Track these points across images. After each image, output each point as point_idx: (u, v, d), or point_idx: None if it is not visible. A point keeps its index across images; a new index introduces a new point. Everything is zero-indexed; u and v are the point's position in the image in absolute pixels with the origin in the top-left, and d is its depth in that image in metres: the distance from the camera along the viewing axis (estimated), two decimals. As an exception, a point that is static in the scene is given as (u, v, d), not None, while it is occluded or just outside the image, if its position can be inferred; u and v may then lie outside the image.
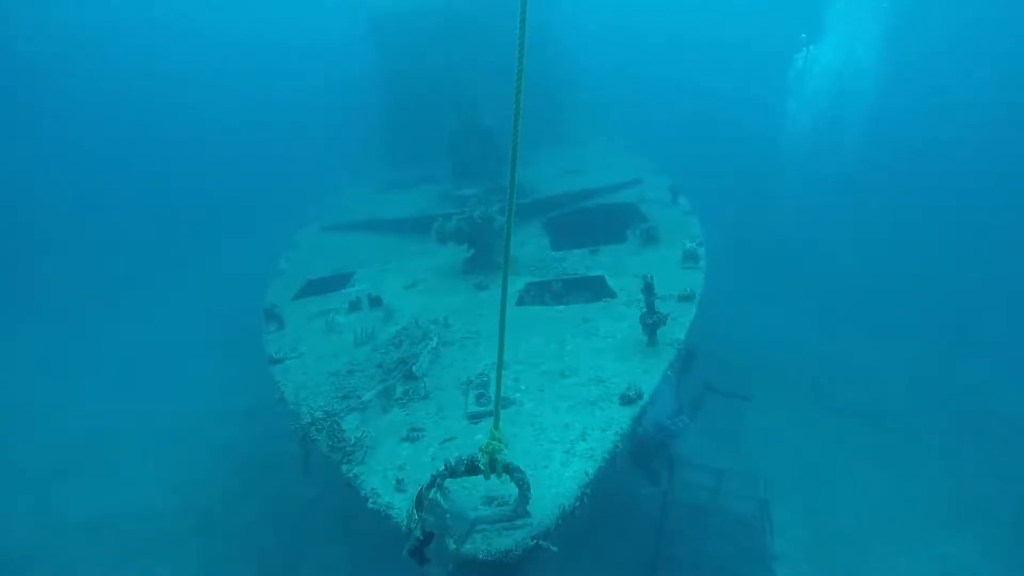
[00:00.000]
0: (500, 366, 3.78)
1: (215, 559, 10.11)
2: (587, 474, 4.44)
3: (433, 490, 3.89)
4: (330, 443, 5.07)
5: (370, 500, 4.53)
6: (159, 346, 18.61)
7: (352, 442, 5.06)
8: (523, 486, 3.96)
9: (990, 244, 20.49)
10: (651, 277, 5.83)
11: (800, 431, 11.97)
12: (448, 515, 3.89)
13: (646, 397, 5.24)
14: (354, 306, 8.29)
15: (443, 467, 3.88)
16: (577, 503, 4.27)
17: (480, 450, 3.75)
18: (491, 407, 5.30)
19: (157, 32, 39.25)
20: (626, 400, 5.19)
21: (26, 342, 20.64)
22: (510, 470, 3.87)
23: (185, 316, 20.61)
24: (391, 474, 4.73)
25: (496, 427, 3.82)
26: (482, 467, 3.78)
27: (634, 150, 15.91)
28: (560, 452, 4.69)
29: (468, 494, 4.34)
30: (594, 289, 7.90)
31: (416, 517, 3.84)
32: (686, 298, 7.08)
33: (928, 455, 11.02)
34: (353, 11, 19.00)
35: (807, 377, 13.72)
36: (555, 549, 4.00)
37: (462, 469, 3.86)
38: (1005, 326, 15.26)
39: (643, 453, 8.29)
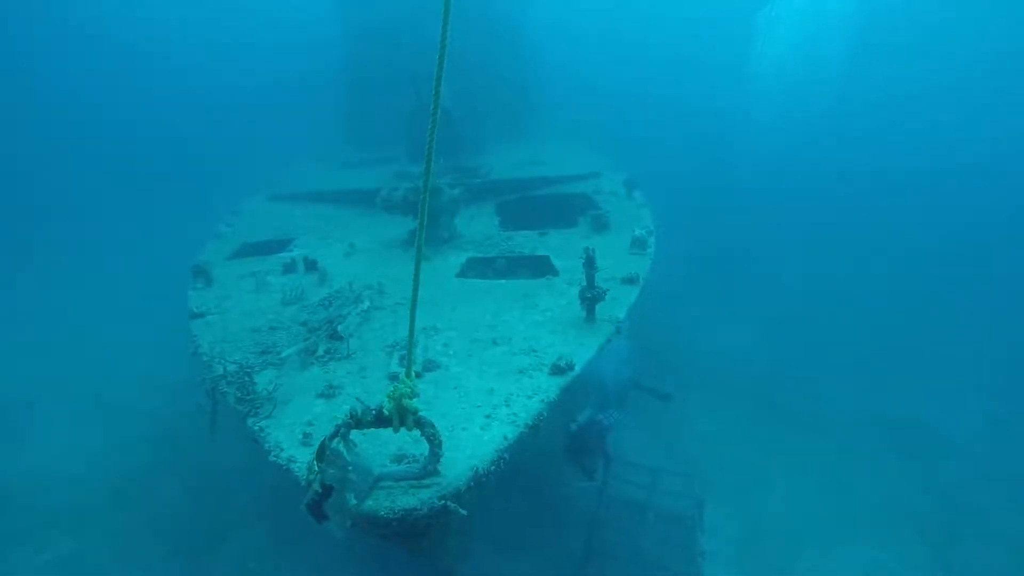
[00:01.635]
0: (414, 307, 3.50)
1: (127, 534, 9.49)
2: (506, 438, 4.20)
3: (336, 440, 3.59)
4: (238, 395, 4.72)
5: (272, 453, 4.20)
6: (92, 315, 17.73)
7: (262, 396, 4.72)
8: (434, 442, 3.68)
9: (931, 257, 21.23)
10: (592, 250, 5.65)
11: (741, 435, 12.09)
12: (351, 468, 3.58)
13: (577, 369, 5.03)
14: (288, 268, 7.90)
15: (348, 416, 3.58)
16: (493, 467, 4.01)
17: (387, 396, 3.46)
18: (417, 367, 5.03)
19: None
20: (556, 370, 4.97)
21: None
22: (421, 424, 3.60)
23: (124, 284, 19.66)
24: (299, 429, 4.41)
25: (408, 375, 3.54)
26: (388, 413, 3.49)
27: (596, 149, 15.88)
28: (481, 416, 4.44)
29: (377, 452, 4.06)
30: (538, 268, 7.70)
31: (316, 469, 3.53)
32: (630, 280, 6.93)
33: (861, 464, 11.23)
34: None
35: (752, 383, 13.86)
36: (464, 512, 3.73)
37: (369, 419, 3.57)
38: (939, 341, 15.78)
39: (578, 448, 8.19)
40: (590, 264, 5.64)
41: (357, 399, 4.65)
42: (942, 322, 16.89)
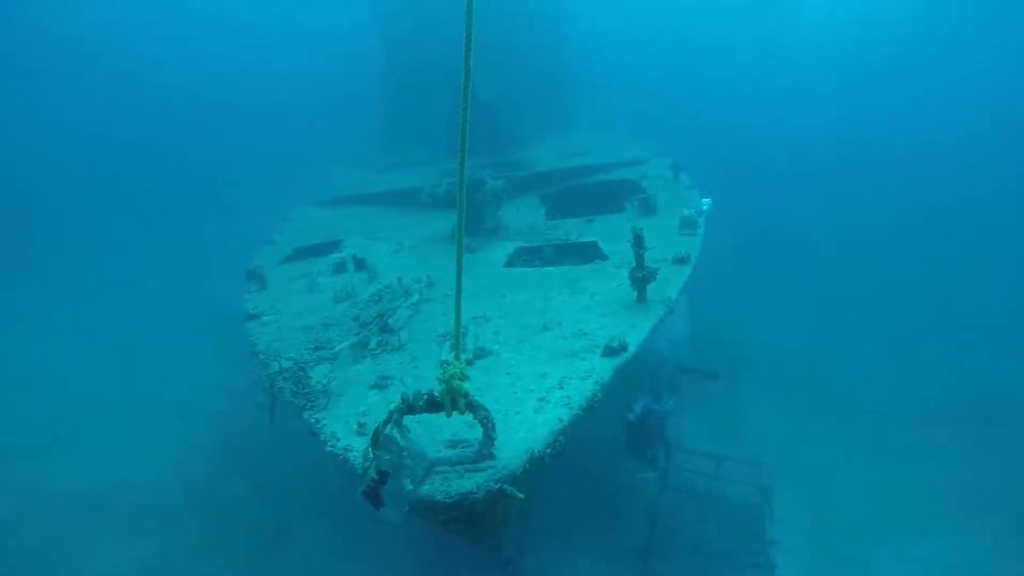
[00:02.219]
0: (459, 290, 3.44)
1: (201, 535, 9.82)
2: (561, 420, 4.11)
3: (389, 426, 3.58)
4: (294, 390, 4.79)
5: (328, 443, 4.23)
6: (164, 327, 18.51)
7: (317, 389, 4.78)
8: (487, 425, 3.64)
9: (997, 235, 20.10)
10: (640, 229, 5.50)
11: (805, 422, 11.67)
12: (405, 453, 3.57)
13: (631, 349, 4.90)
14: (338, 268, 8.03)
15: (401, 402, 3.57)
16: (549, 449, 3.93)
17: (438, 379, 3.42)
18: (468, 355, 4.99)
19: (146, 9, 39.25)
20: (609, 352, 4.85)
21: (26, 321, 20.69)
22: (473, 407, 3.55)
23: (190, 298, 20.47)
24: (354, 419, 4.43)
25: (457, 357, 3.49)
26: (439, 397, 3.46)
27: (639, 137, 15.59)
28: (534, 400, 4.37)
29: (432, 439, 4.04)
30: (586, 254, 7.57)
31: (371, 455, 3.54)
32: (681, 260, 6.73)
33: (934, 448, 10.65)
34: None
35: (812, 370, 13.38)
36: (521, 496, 3.66)
37: (421, 404, 3.54)
38: (1011, 316, 14.95)
39: (639, 438, 8.05)
40: (639, 243, 5.49)
41: (402, 382, 4.64)
42: (1016, 297, 15.90)
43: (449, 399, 3.46)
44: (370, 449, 3.51)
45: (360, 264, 7.98)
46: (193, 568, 9.15)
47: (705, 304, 15.70)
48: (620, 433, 8.34)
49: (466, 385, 3.46)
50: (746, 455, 9.78)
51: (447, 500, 3.49)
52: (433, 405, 3.52)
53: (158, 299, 20.89)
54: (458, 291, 3.46)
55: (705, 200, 9.03)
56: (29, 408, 14.36)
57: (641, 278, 5.60)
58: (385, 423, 3.54)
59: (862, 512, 9.28)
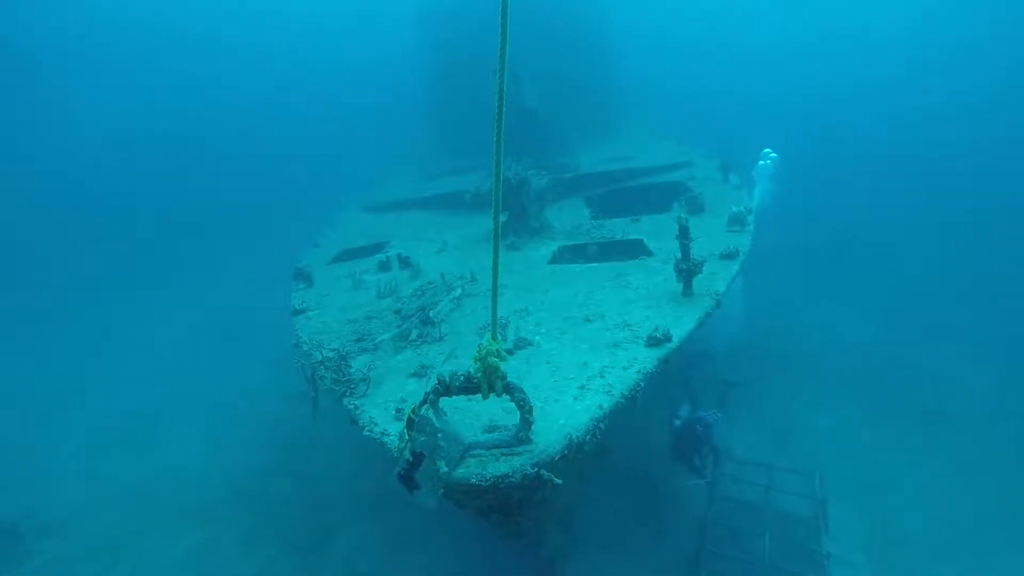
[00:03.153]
0: (496, 272, 3.37)
1: (247, 530, 10.06)
2: (601, 408, 3.99)
3: (425, 407, 3.55)
4: (334, 377, 4.82)
5: (366, 428, 4.22)
6: (224, 331, 19.21)
7: (357, 377, 4.79)
8: (524, 408, 3.55)
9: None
10: (686, 219, 5.34)
11: (865, 432, 11.07)
12: (440, 435, 3.52)
13: (676, 341, 4.74)
14: (383, 266, 8.11)
15: (437, 382, 3.53)
16: (588, 436, 3.81)
17: (474, 358, 3.36)
18: (507, 346, 4.93)
19: (201, 16, 40.99)
20: (653, 342, 4.70)
21: (89, 323, 21.84)
22: (510, 389, 3.48)
23: (247, 303, 21.14)
24: (392, 406, 4.42)
25: (494, 337, 3.43)
26: (476, 377, 3.40)
27: (688, 142, 15.31)
28: (575, 387, 4.27)
29: (469, 425, 3.98)
30: (631, 251, 7.42)
31: (406, 437, 3.50)
32: (729, 255, 6.51)
33: (1004, 461, 9.92)
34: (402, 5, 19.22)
35: (874, 377, 12.71)
36: (559, 482, 3.56)
37: (458, 384, 3.49)
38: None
39: (685, 445, 7.85)
40: (684, 234, 5.33)
41: (444, 358, 4.57)
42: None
43: (486, 380, 3.40)
44: (405, 430, 3.46)
45: (404, 262, 8.04)
46: (239, 561, 9.33)
47: (758, 307, 15.34)
48: (666, 440, 8.16)
49: (503, 367, 3.39)
50: (799, 465, 9.37)
51: (482, 483, 3.42)
52: (470, 386, 3.47)
53: (216, 304, 21.68)
54: (495, 273, 3.40)
55: (767, 151, 8.70)
56: (101, 407, 15.16)
57: (687, 270, 5.44)
58: (421, 404, 3.51)
59: (926, 527, 8.72)
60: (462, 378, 3.46)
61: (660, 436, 8.32)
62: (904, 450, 10.37)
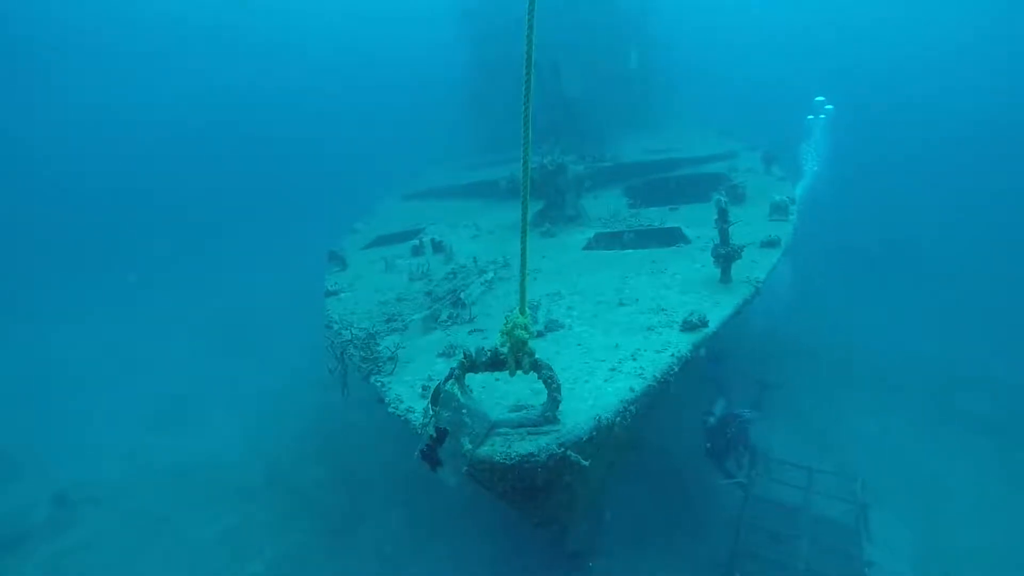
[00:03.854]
0: (524, 240, 3.26)
1: (280, 512, 10.22)
2: (632, 390, 3.84)
3: (450, 382, 3.46)
4: (362, 355, 4.79)
5: (391, 406, 4.18)
6: (261, 315, 19.63)
7: (385, 356, 4.76)
8: (552, 385, 3.44)
9: None
10: (725, 201, 5.14)
11: (913, 438, 10.58)
12: (465, 411, 3.43)
13: (712, 326, 4.56)
14: (416, 250, 8.10)
15: (463, 357, 3.44)
16: (617, 418, 3.68)
17: (501, 332, 3.26)
18: (537, 327, 4.83)
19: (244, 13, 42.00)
20: (688, 326, 4.53)
21: (139, 307, 22.66)
22: (538, 367, 3.37)
23: (286, 288, 21.54)
24: (419, 384, 4.37)
25: (522, 312, 3.32)
26: (503, 353, 3.30)
27: (731, 135, 14.92)
28: (605, 369, 4.13)
29: (496, 403, 3.89)
30: (668, 238, 7.22)
31: (431, 412, 3.43)
32: (770, 244, 6.26)
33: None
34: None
35: (924, 382, 12.15)
36: (586, 463, 3.43)
37: (484, 360, 3.41)
38: None
39: (720, 443, 7.61)
40: (723, 218, 5.14)
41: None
42: None
43: (513, 356, 3.30)
44: (430, 406, 3.39)
45: (438, 247, 8.01)
46: (271, 542, 9.48)
47: (802, 302, 14.83)
48: (700, 438, 7.94)
49: (531, 344, 3.29)
50: (842, 469, 9.02)
51: (507, 462, 3.32)
52: (496, 363, 3.38)
53: (260, 291, 22.17)
54: (523, 245, 3.29)
55: (820, 100, 8.30)
56: (147, 388, 15.69)
57: (725, 255, 5.23)
58: (446, 379, 3.43)
59: (981, 544, 8.24)
60: (489, 353, 3.37)
61: (694, 434, 8.10)
62: (957, 460, 9.86)
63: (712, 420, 7.76)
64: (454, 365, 3.46)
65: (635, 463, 8.13)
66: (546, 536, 4.84)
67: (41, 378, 16.87)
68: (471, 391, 3.64)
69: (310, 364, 14.94)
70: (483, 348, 3.41)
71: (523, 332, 3.14)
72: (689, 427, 8.42)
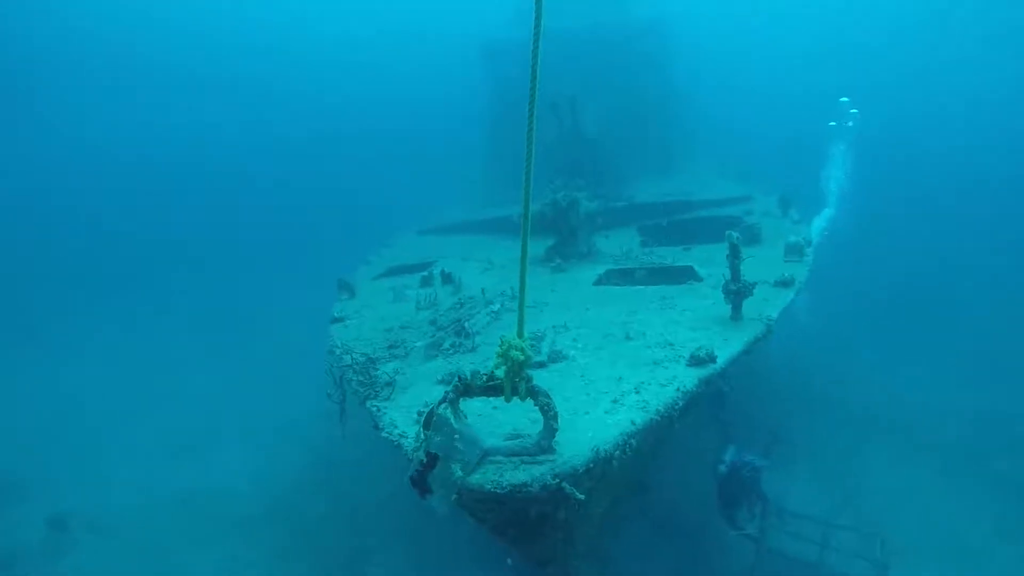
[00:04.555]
0: (524, 265, 3.20)
1: (281, 545, 10.03)
2: (633, 423, 3.70)
3: (443, 406, 3.36)
4: (360, 379, 4.72)
5: (385, 431, 4.07)
6: (269, 349, 19.65)
7: (382, 381, 4.68)
8: (548, 412, 3.32)
9: None
10: (737, 237, 5.05)
11: (941, 495, 10.03)
12: (457, 436, 3.32)
13: (720, 363, 4.42)
14: (426, 281, 8.07)
15: (458, 381, 3.35)
16: (616, 451, 3.53)
17: (497, 354, 3.17)
18: (540, 358, 4.72)
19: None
20: (696, 361, 4.40)
21: (143, 336, 22.92)
22: (535, 393, 3.26)
23: (297, 323, 21.63)
24: (416, 410, 4.26)
25: (520, 335, 3.22)
26: (500, 378, 3.20)
27: (749, 180, 14.87)
28: (607, 401, 4.00)
29: (491, 432, 3.76)
30: (680, 276, 7.12)
31: (422, 437, 3.32)
32: (784, 283, 6.14)
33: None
34: (463, 39, 19.79)
35: (952, 436, 11.61)
36: (581, 497, 3.29)
37: (479, 384, 3.31)
38: None
39: (731, 491, 7.35)
40: (735, 253, 5.04)
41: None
42: None
43: (509, 380, 3.20)
44: (421, 430, 3.29)
45: (447, 278, 7.99)
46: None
47: (825, 357, 14.43)
48: (710, 486, 7.67)
49: (529, 370, 3.19)
50: (861, 524, 8.63)
51: (497, 491, 3.18)
52: (492, 388, 3.28)
53: (270, 325, 22.28)
54: (523, 264, 3.24)
55: (844, 101, 8.09)
56: (154, 416, 15.66)
57: (736, 292, 5.12)
58: (440, 403, 3.33)
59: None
60: (484, 377, 3.27)
61: (705, 482, 7.84)
62: (986, 522, 9.33)
63: (723, 468, 7.51)
64: (448, 388, 3.36)
65: (642, 508, 7.89)
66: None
67: (52, 405, 16.95)
68: (465, 417, 3.52)
69: (319, 397, 14.87)
70: (478, 372, 3.32)
71: (519, 353, 3.05)
72: (699, 475, 8.16)
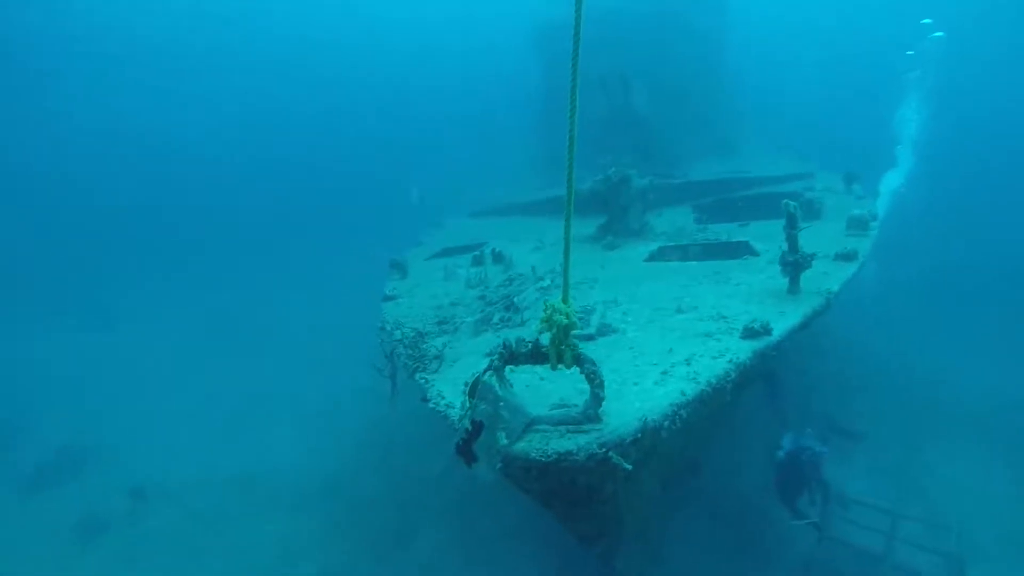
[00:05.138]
0: (568, 224, 3.13)
1: (332, 522, 10.32)
2: (684, 394, 3.59)
3: (488, 374, 3.34)
4: (409, 353, 4.76)
5: (432, 402, 4.09)
6: (330, 329, 20.12)
7: (431, 354, 4.71)
8: (595, 381, 3.26)
9: None
10: (794, 206, 4.82)
11: (1009, 488, 9.42)
12: (503, 404, 3.30)
13: (776, 335, 4.24)
14: (477, 260, 8.08)
15: (503, 347, 3.32)
16: (666, 422, 3.43)
17: (542, 320, 3.12)
18: (589, 331, 4.65)
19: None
20: (750, 333, 4.23)
21: (216, 317, 23.89)
22: (581, 361, 3.20)
23: (354, 302, 22.10)
24: (463, 381, 4.27)
25: (564, 300, 3.17)
26: (544, 344, 3.15)
27: (808, 158, 14.17)
28: (656, 372, 3.90)
29: (538, 403, 3.72)
30: (735, 251, 6.87)
31: (468, 404, 3.31)
32: (846, 256, 5.83)
33: None
34: (514, 20, 19.59)
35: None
36: (628, 467, 3.22)
37: (524, 351, 3.28)
38: None
39: (790, 478, 7.09)
40: (792, 223, 4.82)
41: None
42: None
43: (554, 348, 3.15)
44: (467, 398, 3.28)
45: (498, 257, 7.98)
46: (319, 551, 9.59)
47: (885, 337, 13.70)
48: (768, 472, 7.43)
49: (573, 337, 3.13)
50: (932, 517, 8.17)
51: (543, 459, 3.15)
52: (538, 355, 3.24)
53: (331, 306, 22.86)
54: (567, 231, 3.17)
55: (926, 23, 7.40)
56: (219, 395, 16.40)
57: (793, 263, 4.89)
58: (485, 371, 3.31)
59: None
60: (529, 344, 3.23)
61: (762, 467, 7.60)
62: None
63: (781, 454, 7.25)
64: (493, 355, 3.34)
65: (695, 491, 7.71)
66: (595, 558, 4.56)
67: (115, 377, 18.01)
68: (511, 385, 3.49)
69: (370, 377, 15.17)
70: (523, 339, 3.28)
71: (562, 317, 2.99)
72: (755, 460, 7.91)
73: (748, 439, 7.68)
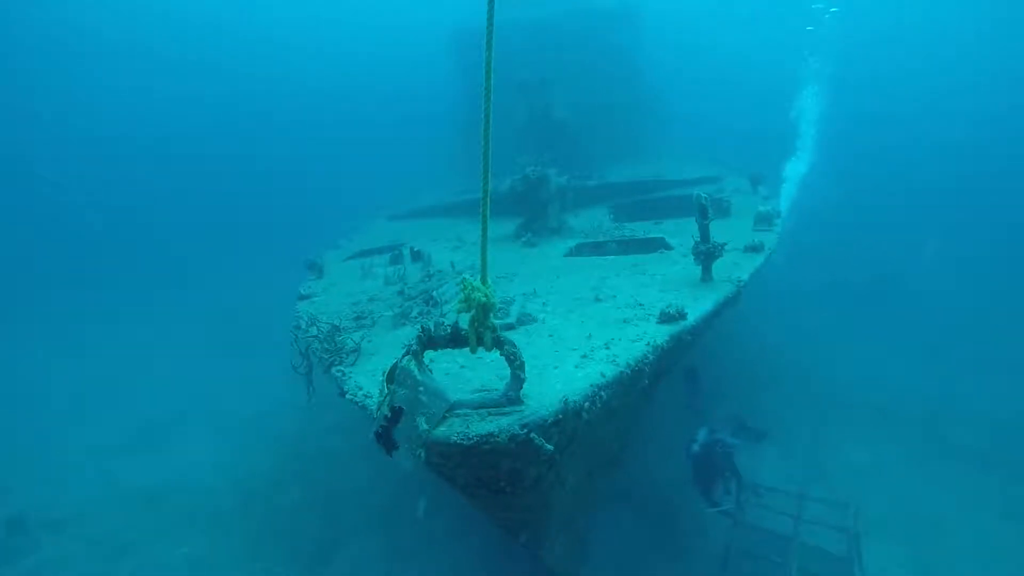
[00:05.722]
0: (485, 204, 3.10)
1: (250, 538, 9.78)
2: (603, 375, 3.63)
3: (407, 359, 3.24)
4: (325, 347, 4.57)
5: (349, 394, 3.94)
6: (236, 342, 19.19)
7: (348, 348, 4.54)
8: (515, 362, 3.22)
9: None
10: (705, 198, 5.02)
11: (908, 469, 10.24)
12: (422, 388, 3.21)
13: (691, 320, 4.37)
14: (395, 259, 7.93)
15: (421, 332, 3.23)
16: (587, 403, 3.45)
17: (460, 300, 3.05)
18: (509, 320, 4.62)
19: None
20: (666, 318, 4.35)
21: (109, 330, 22.32)
22: (500, 343, 3.16)
23: (262, 315, 21.18)
24: (380, 373, 4.13)
25: (483, 281, 3.12)
26: (464, 330, 3.09)
27: (719, 162, 14.92)
28: (576, 357, 3.92)
29: (458, 389, 3.65)
30: (651, 247, 7.09)
31: (386, 391, 3.19)
32: (754, 248, 6.14)
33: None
34: (432, 27, 19.65)
35: (915, 414, 11.85)
36: (550, 448, 3.20)
37: (443, 335, 3.20)
38: None
39: (705, 471, 7.37)
40: (703, 214, 5.01)
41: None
42: None
43: (473, 330, 3.09)
44: (385, 384, 3.16)
45: (416, 256, 7.86)
46: (238, 570, 9.05)
47: (791, 337, 14.63)
48: (685, 466, 7.69)
49: (492, 318, 3.08)
50: (833, 497, 8.70)
51: (464, 442, 3.08)
52: (457, 339, 3.17)
53: (236, 316, 21.84)
54: (484, 208, 3.14)
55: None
56: (117, 411, 15.30)
57: (705, 252, 5.08)
58: (403, 356, 3.21)
59: (974, 573, 7.88)
60: (448, 328, 3.16)
61: (680, 462, 7.85)
62: (951, 493, 9.49)
63: (696, 447, 7.54)
64: (411, 340, 3.25)
65: (618, 487, 7.86)
66: (524, 554, 4.52)
67: (7, 401, 16.39)
68: (430, 371, 3.41)
69: (289, 387, 14.60)
70: (442, 323, 3.21)
71: (481, 295, 2.94)
72: (674, 455, 8.15)
73: (666, 434, 7.92)
